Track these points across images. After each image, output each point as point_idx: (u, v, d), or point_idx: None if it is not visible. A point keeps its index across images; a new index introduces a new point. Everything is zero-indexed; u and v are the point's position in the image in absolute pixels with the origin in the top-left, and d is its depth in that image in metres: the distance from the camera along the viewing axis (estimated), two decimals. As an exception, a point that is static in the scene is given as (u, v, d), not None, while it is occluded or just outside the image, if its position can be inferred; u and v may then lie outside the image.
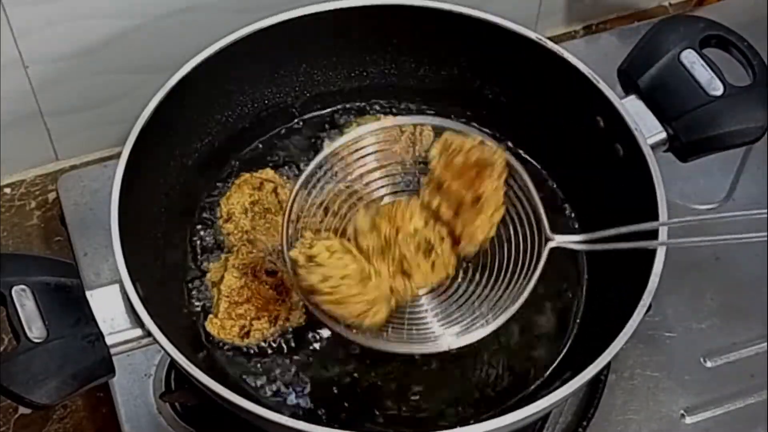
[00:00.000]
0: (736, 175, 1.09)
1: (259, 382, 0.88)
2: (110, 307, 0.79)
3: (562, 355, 0.89)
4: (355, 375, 0.88)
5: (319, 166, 0.87)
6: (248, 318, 0.89)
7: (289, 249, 0.82)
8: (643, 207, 0.84)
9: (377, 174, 0.90)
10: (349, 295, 0.78)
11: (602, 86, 0.90)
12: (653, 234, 0.82)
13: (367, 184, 0.89)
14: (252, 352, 0.89)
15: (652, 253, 0.81)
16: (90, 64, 1.04)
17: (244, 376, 0.88)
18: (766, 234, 0.75)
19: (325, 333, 0.89)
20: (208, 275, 0.92)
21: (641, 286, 0.80)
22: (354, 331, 0.81)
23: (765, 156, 1.09)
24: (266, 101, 0.99)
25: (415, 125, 0.92)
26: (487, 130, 0.96)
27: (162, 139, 0.90)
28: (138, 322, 0.78)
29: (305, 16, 0.94)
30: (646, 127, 0.89)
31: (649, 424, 0.95)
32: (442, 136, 0.83)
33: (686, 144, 0.90)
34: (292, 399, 0.87)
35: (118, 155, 0.85)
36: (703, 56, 0.91)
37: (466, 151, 0.81)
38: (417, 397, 0.87)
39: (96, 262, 1.01)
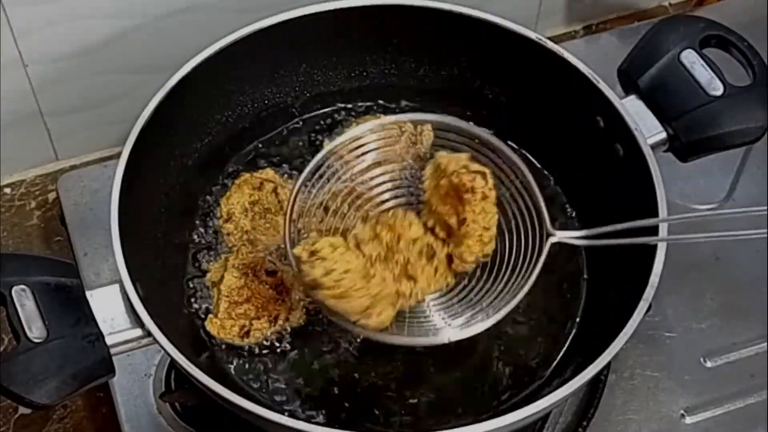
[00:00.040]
0: (736, 175, 1.09)
1: (259, 382, 0.88)
2: (110, 307, 0.79)
3: (562, 355, 0.89)
4: (356, 375, 0.88)
5: (320, 165, 0.87)
6: (248, 318, 0.89)
7: (292, 247, 0.82)
8: (643, 207, 0.85)
9: (377, 174, 0.89)
10: (352, 289, 0.78)
11: (602, 86, 0.90)
12: (653, 231, 0.82)
13: (367, 184, 0.89)
14: (252, 352, 0.89)
15: (652, 252, 0.81)
16: (90, 64, 1.04)
17: (244, 376, 0.88)
18: (766, 231, 0.75)
19: (325, 333, 0.89)
20: (208, 275, 0.92)
21: (641, 286, 0.80)
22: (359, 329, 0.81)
23: (765, 156, 1.09)
24: (266, 101, 0.99)
25: (415, 125, 0.92)
26: (487, 129, 0.96)
27: (162, 139, 0.90)
28: (138, 322, 0.78)
29: (305, 16, 0.94)
30: (646, 127, 0.89)
31: (649, 424, 0.95)
32: (435, 157, 0.83)
33: (686, 144, 0.90)
34: (292, 399, 0.87)
35: (118, 155, 0.85)
36: (703, 56, 0.91)
37: (450, 174, 0.81)
38: (417, 398, 0.87)
39: (96, 262, 1.01)
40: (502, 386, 0.88)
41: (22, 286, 0.77)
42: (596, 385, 0.94)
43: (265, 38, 0.93)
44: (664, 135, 0.90)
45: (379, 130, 0.88)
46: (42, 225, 1.10)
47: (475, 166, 0.81)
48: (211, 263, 0.93)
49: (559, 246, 0.84)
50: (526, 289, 0.81)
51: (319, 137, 1.00)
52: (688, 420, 0.96)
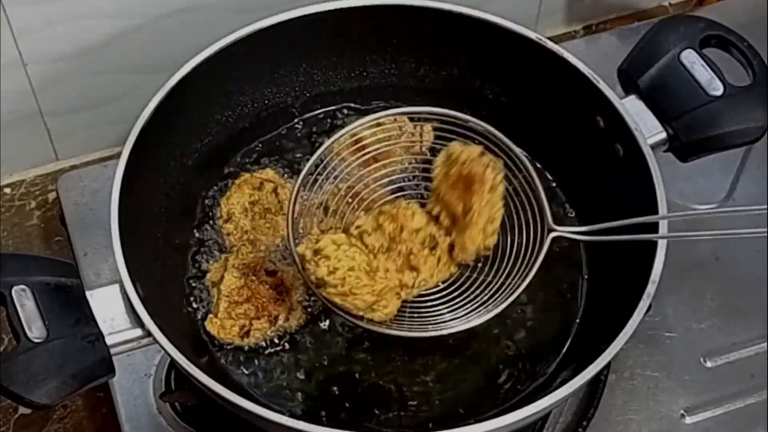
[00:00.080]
0: (736, 175, 1.09)
1: (259, 382, 0.88)
2: (110, 307, 0.79)
3: (562, 355, 0.89)
4: (356, 375, 0.88)
5: (320, 163, 0.87)
6: (248, 318, 0.89)
7: (295, 246, 0.82)
8: (644, 207, 0.85)
9: (377, 172, 0.90)
10: (357, 286, 0.79)
11: (602, 86, 0.90)
12: (654, 229, 0.82)
13: (367, 182, 0.89)
14: (252, 352, 0.89)
15: (652, 252, 0.81)
16: (90, 64, 1.04)
17: (244, 376, 0.88)
18: (766, 230, 0.75)
19: (325, 333, 0.89)
20: (208, 275, 0.92)
21: (641, 286, 0.80)
22: (364, 321, 0.81)
23: (765, 156, 1.09)
24: (266, 101, 0.99)
25: (415, 124, 0.92)
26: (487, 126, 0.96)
27: (162, 139, 0.90)
28: (138, 322, 0.78)
29: (305, 16, 0.94)
30: (646, 127, 0.89)
31: (649, 424, 0.95)
32: (449, 145, 0.84)
33: (686, 144, 0.90)
34: (291, 398, 0.87)
35: (118, 155, 0.85)
36: (703, 56, 0.91)
37: (461, 164, 0.81)
38: (417, 398, 0.87)
39: (96, 262, 1.01)
40: (502, 386, 0.88)
41: (22, 286, 0.77)
42: (596, 385, 0.94)
43: (265, 38, 0.93)
44: (664, 135, 0.90)
45: (376, 127, 0.88)
46: (42, 225, 1.10)
47: (487, 158, 0.82)
48: (211, 263, 0.93)
49: (559, 246, 0.84)
50: (525, 283, 0.82)
51: (319, 137, 1.00)
52: (688, 420, 0.96)
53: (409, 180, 0.92)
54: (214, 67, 0.91)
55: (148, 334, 0.78)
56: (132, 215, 0.83)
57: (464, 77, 1.00)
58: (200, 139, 0.96)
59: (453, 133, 0.87)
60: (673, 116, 0.90)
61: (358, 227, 0.82)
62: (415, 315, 0.84)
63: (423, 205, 0.85)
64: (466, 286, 0.85)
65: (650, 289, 0.80)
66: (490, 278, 0.84)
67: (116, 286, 0.80)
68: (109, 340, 0.77)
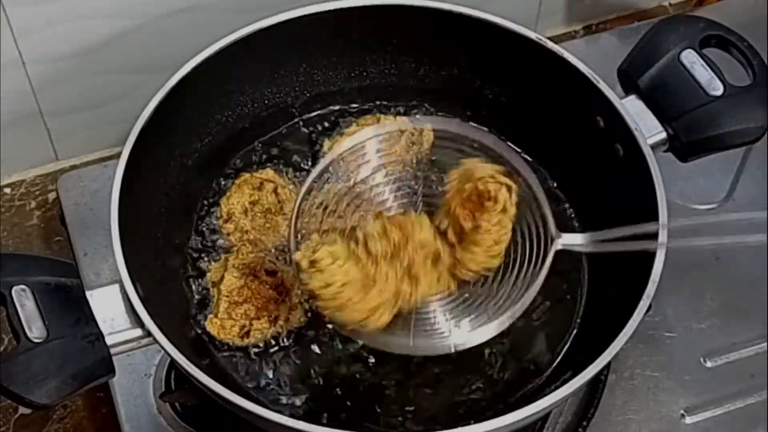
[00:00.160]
0: (736, 175, 1.09)
1: (259, 382, 0.88)
2: (110, 307, 0.79)
3: (562, 355, 0.89)
4: (356, 375, 0.88)
5: (323, 171, 0.86)
6: (248, 318, 0.89)
7: (297, 249, 0.82)
8: (643, 207, 0.84)
9: (378, 175, 0.89)
10: (350, 302, 0.78)
11: (602, 86, 0.90)
12: (656, 234, 0.82)
13: (367, 184, 0.89)
14: (252, 352, 0.89)
15: (652, 253, 0.81)
16: (90, 64, 1.04)
17: (244, 376, 0.88)
18: (766, 235, 0.75)
19: (325, 333, 0.89)
20: (208, 275, 0.92)
21: (641, 286, 0.80)
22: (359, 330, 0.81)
23: (765, 156, 1.09)
24: (266, 101, 0.99)
25: (415, 126, 0.92)
26: (486, 129, 0.96)
27: (162, 139, 0.90)
28: (138, 322, 0.78)
29: (305, 16, 0.94)
30: (646, 127, 0.89)
31: (649, 424, 0.95)
32: (465, 161, 0.83)
33: (686, 144, 0.90)
34: (292, 399, 0.87)
35: (118, 155, 0.85)
36: (703, 56, 0.91)
37: (476, 180, 0.81)
38: (417, 397, 0.87)
39: (96, 262, 1.01)
40: (503, 386, 0.88)
41: (22, 286, 0.77)
42: (596, 385, 0.94)
43: (265, 38, 0.93)
44: (664, 135, 0.90)
45: (381, 135, 0.88)
46: (42, 225, 1.10)
47: (503, 178, 0.81)
48: (211, 263, 0.93)
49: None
50: (532, 294, 0.81)
51: (319, 137, 1.00)
52: (688, 420, 0.96)
53: (408, 181, 0.91)
54: (214, 67, 0.91)
55: (148, 334, 0.78)
56: (132, 215, 0.83)
57: (464, 77, 1.00)
58: (200, 139, 0.96)
59: (453, 138, 0.87)
60: (673, 116, 0.90)
61: (363, 231, 0.81)
62: (419, 325, 0.83)
63: (430, 215, 0.84)
64: (471, 297, 0.84)
65: (650, 289, 0.80)
66: (494, 290, 0.83)
67: (116, 286, 0.80)
68: (109, 340, 0.77)
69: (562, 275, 0.93)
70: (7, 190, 1.12)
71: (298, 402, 0.87)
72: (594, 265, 0.93)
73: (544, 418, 0.92)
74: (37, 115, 1.07)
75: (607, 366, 0.80)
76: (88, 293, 0.79)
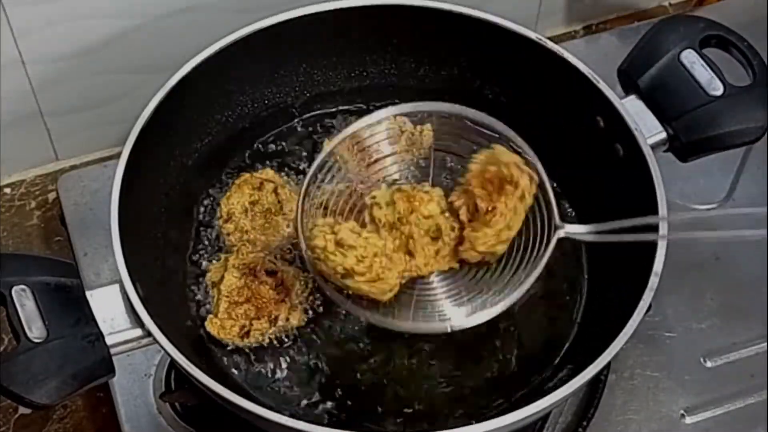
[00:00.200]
0: (736, 175, 1.09)
1: (259, 382, 0.88)
2: (110, 307, 0.79)
3: (562, 355, 0.89)
4: (357, 375, 0.88)
5: (324, 163, 0.87)
6: (248, 318, 0.89)
7: (306, 243, 0.81)
8: (644, 207, 0.85)
9: (377, 173, 0.89)
10: (383, 271, 0.79)
11: (602, 86, 0.90)
12: (656, 230, 0.82)
13: (367, 182, 0.89)
14: (252, 352, 0.89)
15: (652, 252, 0.81)
16: (90, 64, 1.04)
17: (244, 376, 0.88)
18: (766, 230, 0.75)
19: (325, 333, 0.89)
20: (208, 275, 0.92)
21: (641, 286, 0.80)
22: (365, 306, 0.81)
23: (765, 156, 1.09)
24: (266, 101, 0.99)
25: (415, 124, 0.92)
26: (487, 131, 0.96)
27: (162, 139, 0.90)
28: (138, 322, 0.78)
29: (305, 16, 0.94)
30: (646, 127, 0.89)
31: (649, 424, 0.95)
32: (494, 146, 0.83)
33: (686, 144, 0.90)
34: (292, 399, 0.87)
35: (118, 155, 0.85)
36: (703, 56, 0.91)
37: (502, 164, 0.81)
38: (418, 397, 0.87)
39: (96, 262, 1.01)
40: (503, 386, 0.88)
41: (22, 286, 0.77)
42: (596, 385, 0.94)
43: (265, 38, 0.93)
44: (664, 135, 0.90)
45: (380, 125, 0.88)
46: (42, 225, 1.10)
47: (527, 169, 0.82)
48: (211, 263, 0.93)
49: (560, 245, 0.83)
50: (531, 280, 0.81)
51: (320, 137, 1.00)
52: (688, 420, 0.96)
53: (408, 179, 0.91)
54: (214, 67, 0.92)
55: (148, 334, 0.78)
56: (132, 215, 0.83)
57: (464, 77, 1.00)
58: (200, 139, 0.96)
59: (454, 133, 0.87)
60: (673, 116, 0.90)
61: (373, 197, 0.82)
62: (420, 309, 0.83)
63: (447, 193, 0.85)
64: (472, 282, 0.84)
65: (650, 289, 0.80)
66: (497, 275, 0.83)
67: (116, 286, 0.80)
68: (109, 340, 0.77)
69: (562, 275, 0.93)
70: (7, 190, 1.12)
71: (298, 402, 0.87)
72: (594, 266, 0.93)
73: (544, 418, 0.92)
74: (37, 115, 1.07)
75: (607, 366, 0.80)
76: (88, 293, 0.79)
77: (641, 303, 0.79)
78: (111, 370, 0.77)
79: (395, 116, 0.89)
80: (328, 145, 0.87)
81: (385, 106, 1.00)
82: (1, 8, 0.96)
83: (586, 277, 0.93)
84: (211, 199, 0.96)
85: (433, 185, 0.86)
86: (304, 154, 0.99)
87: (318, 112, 1.02)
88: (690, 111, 0.89)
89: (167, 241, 0.92)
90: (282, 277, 0.90)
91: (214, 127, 0.97)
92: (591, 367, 0.77)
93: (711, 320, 1.01)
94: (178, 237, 0.93)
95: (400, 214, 0.81)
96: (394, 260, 0.81)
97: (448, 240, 0.83)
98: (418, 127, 0.92)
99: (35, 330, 0.75)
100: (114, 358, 0.77)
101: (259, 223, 0.94)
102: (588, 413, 0.93)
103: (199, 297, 0.91)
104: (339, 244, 0.79)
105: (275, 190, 0.95)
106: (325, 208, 0.88)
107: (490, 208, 0.81)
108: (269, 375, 0.88)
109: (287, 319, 0.89)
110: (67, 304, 0.78)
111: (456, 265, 0.84)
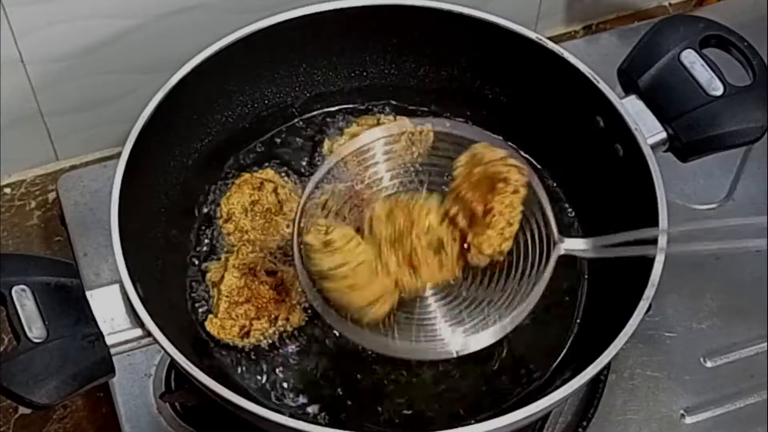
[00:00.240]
0: (736, 175, 1.09)
1: (259, 382, 0.88)
2: (110, 307, 0.79)
3: (562, 355, 0.89)
4: (357, 375, 0.88)
5: (327, 173, 0.86)
6: (248, 318, 0.89)
7: (299, 238, 0.81)
8: (643, 207, 0.85)
9: (378, 174, 0.89)
10: (358, 284, 0.78)
11: (602, 86, 0.90)
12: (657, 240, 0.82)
13: (367, 183, 0.89)
14: (252, 352, 0.89)
15: (652, 257, 0.81)
16: (90, 64, 1.04)
17: (244, 376, 0.88)
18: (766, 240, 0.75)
19: (325, 333, 0.89)
20: (208, 275, 0.92)
21: (641, 286, 0.80)
22: (356, 324, 0.81)
23: (765, 156, 1.09)
24: (266, 101, 0.99)
25: (415, 125, 0.92)
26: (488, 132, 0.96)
27: (162, 139, 0.90)
28: (138, 322, 0.78)
29: (305, 16, 0.94)
30: (646, 127, 0.89)
31: (649, 424, 0.95)
32: (473, 146, 0.83)
33: (686, 144, 0.90)
34: (292, 399, 0.87)
35: (118, 155, 0.85)
36: (703, 56, 0.91)
37: (486, 163, 0.80)
38: (417, 397, 0.87)
39: (96, 262, 1.01)
40: (502, 386, 0.88)
41: (22, 286, 0.77)
42: (596, 385, 0.94)
43: (265, 38, 0.93)
44: (664, 135, 0.90)
45: (384, 136, 0.88)
46: (42, 225, 1.10)
47: (513, 160, 0.81)
48: (211, 263, 0.93)
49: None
50: (535, 298, 0.80)
51: (319, 137, 1.00)
52: (688, 420, 0.96)
53: (409, 181, 0.91)
54: (214, 67, 0.91)
55: (148, 334, 0.78)
56: (132, 215, 0.83)
57: (464, 77, 1.00)
58: (200, 139, 0.96)
59: (454, 137, 0.87)
60: (673, 116, 0.90)
61: (371, 213, 0.82)
62: (421, 328, 0.83)
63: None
64: (472, 300, 0.83)
65: (650, 289, 0.80)
66: (497, 293, 0.83)
67: (116, 286, 0.80)
68: (109, 340, 0.77)
69: (561, 276, 0.92)
70: (7, 190, 1.12)
71: (298, 402, 0.87)
72: (594, 266, 0.93)
73: (544, 418, 0.92)
74: (37, 115, 1.07)
75: (607, 366, 0.80)
76: (88, 293, 0.79)
77: (641, 303, 0.79)
78: (111, 370, 0.77)
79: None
80: (336, 153, 0.87)
81: (385, 106, 1.01)
82: (1, 8, 0.96)
83: (586, 277, 0.93)
84: (211, 199, 0.96)
85: (430, 191, 0.86)
86: (304, 154, 0.99)
87: (318, 111, 1.02)
88: (690, 111, 0.89)
89: (167, 241, 0.92)
90: (282, 277, 0.90)
91: (214, 127, 0.97)
92: (591, 367, 0.77)
93: (711, 320, 1.01)
94: (178, 237, 0.93)
95: (400, 228, 0.81)
96: (380, 277, 0.79)
97: (450, 251, 0.82)
98: (419, 127, 0.92)
99: (35, 330, 0.75)
100: (114, 358, 0.77)
101: (259, 223, 0.94)
102: (588, 413, 0.93)
103: (199, 297, 0.91)
104: (327, 244, 0.78)
105: (275, 190, 0.95)
106: (324, 208, 0.87)
107: (486, 211, 0.81)
108: (269, 375, 0.88)
109: (287, 319, 0.89)
110: (67, 304, 0.78)
111: (459, 273, 0.84)
